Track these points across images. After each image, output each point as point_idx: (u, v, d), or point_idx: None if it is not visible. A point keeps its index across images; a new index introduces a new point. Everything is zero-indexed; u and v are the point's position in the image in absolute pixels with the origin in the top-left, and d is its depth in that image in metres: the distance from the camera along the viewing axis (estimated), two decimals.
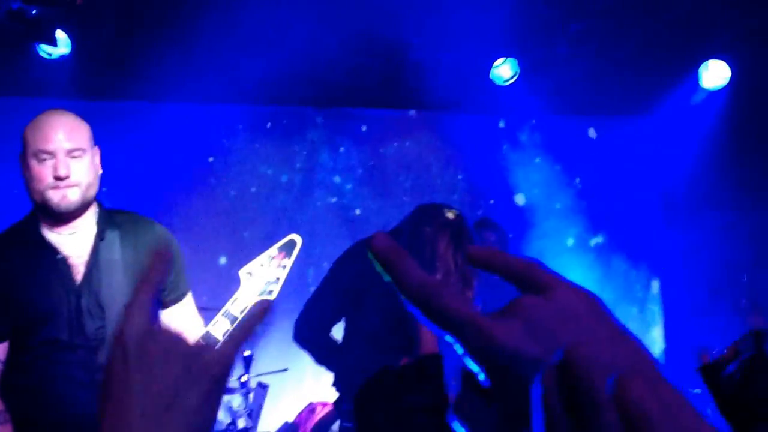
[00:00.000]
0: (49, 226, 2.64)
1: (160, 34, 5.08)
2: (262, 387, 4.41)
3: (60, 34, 5.01)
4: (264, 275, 2.51)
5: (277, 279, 2.52)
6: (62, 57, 5.19)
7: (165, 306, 2.79)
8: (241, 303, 2.48)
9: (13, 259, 2.61)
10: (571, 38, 5.48)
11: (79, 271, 2.63)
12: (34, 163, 2.55)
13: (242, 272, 2.52)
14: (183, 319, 2.77)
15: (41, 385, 2.57)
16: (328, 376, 3.57)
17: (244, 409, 4.14)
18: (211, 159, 6.13)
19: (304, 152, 6.34)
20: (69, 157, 2.56)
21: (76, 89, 5.37)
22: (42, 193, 2.56)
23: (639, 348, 0.58)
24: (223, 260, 5.99)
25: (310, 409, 4.26)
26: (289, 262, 2.54)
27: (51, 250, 2.62)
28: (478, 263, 0.65)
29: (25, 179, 2.59)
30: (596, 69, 5.76)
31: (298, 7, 5.04)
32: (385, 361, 3.29)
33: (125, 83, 5.54)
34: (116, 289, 2.61)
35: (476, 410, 0.62)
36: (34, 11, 4.59)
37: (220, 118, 6.05)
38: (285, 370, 4.83)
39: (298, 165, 6.33)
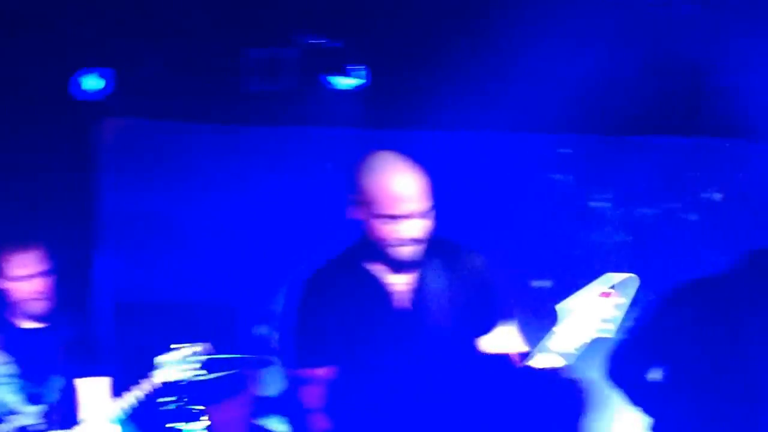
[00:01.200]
0: (376, 259, 2.68)
1: (452, 65, 5.13)
2: None
3: (353, 66, 5.19)
4: (590, 312, 2.37)
5: (612, 317, 2.38)
6: (355, 88, 5.36)
7: (484, 333, 2.75)
8: (560, 338, 2.40)
9: (338, 287, 2.68)
10: None
11: (402, 299, 2.67)
12: (379, 222, 2.57)
13: (560, 307, 2.42)
14: (502, 345, 2.73)
15: (369, 410, 2.64)
16: (631, 418, 3.48)
17: None
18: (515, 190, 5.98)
19: (601, 183, 6.03)
20: (419, 219, 2.58)
21: (367, 119, 5.53)
22: (385, 246, 2.61)
23: None
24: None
25: None
26: (621, 300, 2.39)
27: (376, 279, 2.67)
28: None
29: (366, 225, 2.63)
30: None
31: (594, 32, 4.87)
32: (716, 409, 3.22)
33: (416, 113, 5.63)
34: (439, 318, 2.64)
35: None
36: (330, 44, 4.81)
37: (510, 147, 5.92)
38: None
39: (596, 197, 6.04)
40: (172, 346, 3.78)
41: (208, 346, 3.88)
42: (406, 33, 5.06)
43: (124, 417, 3.64)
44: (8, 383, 3.57)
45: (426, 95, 5.38)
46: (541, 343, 2.46)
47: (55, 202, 5.16)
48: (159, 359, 3.75)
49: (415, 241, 2.58)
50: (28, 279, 3.52)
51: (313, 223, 5.70)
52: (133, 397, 3.62)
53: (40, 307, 3.58)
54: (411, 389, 2.62)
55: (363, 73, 5.34)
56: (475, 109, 5.42)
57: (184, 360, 3.77)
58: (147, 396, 3.67)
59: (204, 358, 3.84)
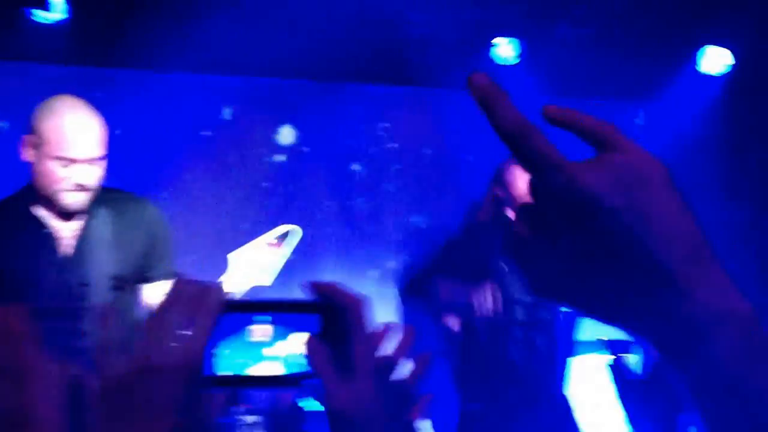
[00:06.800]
0: (42, 205, 2.65)
1: (160, 2, 5.03)
2: None
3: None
4: (256, 261, 2.52)
5: (271, 267, 2.54)
6: (58, 22, 5.12)
7: (147, 281, 2.80)
8: (227, 286, 2.51)
9: (2, 230, 2.65)
10: (573, 20, 5.46)
11: (66, 245, 2.67)
12: (50, 163, 2.53)
13: (231, 256, 2.54)
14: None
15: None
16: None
17: None
18: (207, 132, 5.95)
19: (301, 129, 6.17)
20: (90, 165, 2.54)
21: (71, 55, 5.33)
22: (53, 191, 2.57)
23: (697, 224, 0.65)
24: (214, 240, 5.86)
25: None
26: (285, 251, 2.55)
27: (38, 225, 2.65)
28: (554, 121, 0.67)
29: (34, 169, 2.58)
30: (597, 52, 5.73)
31: None
32: None
33: (123, 50, 5.47)
34: (102, 266, 2.65)
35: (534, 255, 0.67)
36: None
37: (216, 89, 5.94)
38: None
39: (294, 143, 6.16)
40: None
41: None
42: None
43: None
44: None
45: (131, 33, 5.27)
46: None
47: None
48: None
49: (84, 187, 2.58)
50: None
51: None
52: None
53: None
54: (70, 333, 2.59)
55: (65, 7, 5.11)
56: (181, 50, 5.35)
57: None
58: None
59: None
